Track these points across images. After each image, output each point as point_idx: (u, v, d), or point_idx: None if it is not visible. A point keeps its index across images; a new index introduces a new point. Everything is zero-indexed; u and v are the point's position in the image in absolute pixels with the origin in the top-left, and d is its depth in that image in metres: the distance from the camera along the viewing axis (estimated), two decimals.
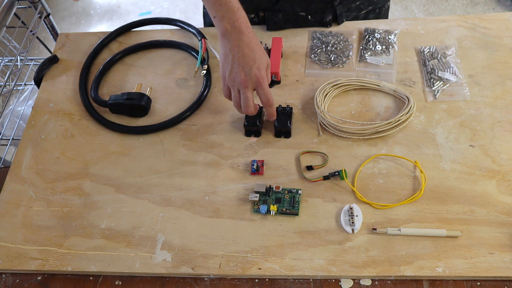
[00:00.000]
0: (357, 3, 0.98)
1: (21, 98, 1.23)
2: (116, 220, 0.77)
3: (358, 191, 0.76)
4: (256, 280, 0.71)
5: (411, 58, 0.91)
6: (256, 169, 0.79)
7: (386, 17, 1.09)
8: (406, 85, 0.88)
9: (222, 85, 0.79)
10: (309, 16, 0.95)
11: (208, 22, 1.11)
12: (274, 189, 0.77)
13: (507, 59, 0.89)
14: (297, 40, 0.96)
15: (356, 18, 1.01)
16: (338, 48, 0.94)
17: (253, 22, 1.01)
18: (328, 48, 0.94)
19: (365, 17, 1.03)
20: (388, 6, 1.08)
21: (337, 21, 0.97)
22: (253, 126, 0.83)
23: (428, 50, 0.91)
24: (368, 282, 0.69)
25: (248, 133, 0.84)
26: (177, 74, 0.95)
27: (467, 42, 0.93)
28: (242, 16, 0.76)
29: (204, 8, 1.12)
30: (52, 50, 1.03)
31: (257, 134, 0.84)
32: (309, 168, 0.79)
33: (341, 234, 0.72)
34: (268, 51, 0.92)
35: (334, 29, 0.97)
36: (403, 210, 0.74)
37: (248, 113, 0.79)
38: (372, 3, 1.01)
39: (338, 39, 0.95)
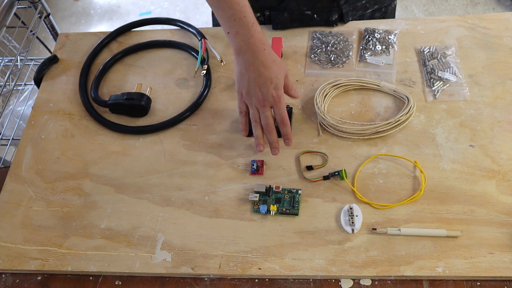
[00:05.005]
0: (363, 1, 0.98)
1: (21, 98, 1.23)
2: (116, 220, 0.77)
3: (358, 191, 0.76)
4: (256, 280, 0.71)
5: (411, 58, 0.91)
6: (256, 169, 0.79)
7: (393, 16, 1.08)
8: (406, 85, 0.88)
9: (239, 101, 0.78)
10: (315, 15, 0.95)
11: (216, 23, 1.11)
12: (274, 189, 0.77)
13: (507, 59, 0.89)
14: (297, 40, 0.96)
15: (362, 17, 1.01)
16: (338, 48, 0.94)
17: (259, 21, 1.00)
18: (328, 48, 0.94)
19: (371, 16, 1.02)
20: (395, 5, 1.07)
21: (343, 20, 0.97)
22: None
23: (428, 50, 0.91)
24: (368, 282, 0.69)
25: (248, 133, 0.84)
26: (177, 74, 0.95)
27: (467, 42, 0.93)
28: (257, 32, 0.74)
29: None
30: (52, 50, 1.03)
31: None
32: (309, 168, 0.79)
33: (341, 234, 0.72)
34: None
35: (334, 29, 0.97)
36: (403, 210, 0.74)
37: (268, 131, 0.76)
38: (378, 2, 1.01)
39: (338, 39, 0.95)
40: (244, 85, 0.75)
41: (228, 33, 0.75)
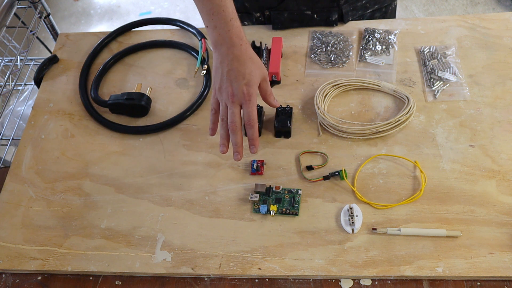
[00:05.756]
0: (363, 1, 0.98)
1: (21, 98, 1.23)
2: (116, 220, 0.77)
3: (358, 191, 0.76)
4: (256, 280, 0.71)
5: (411, 58, 0.91)
6: (256, 169, 0.79)
7: (393, 16, 1.08)
8: (406, 85, 0.88)
9: (212, 96, 0.75)
10: (315, 15, 0.95)
11: None
12: (274, 189, 0.77)
13: (507, 59, 0.89)
14: (297, 40, 0.96)
15: (362, 17, 1.01)
16: (338, 48, 0.94)
17: (259, 21, 1.01)
18: (328, 48, 0.94)
19: (371, 16, 1.02)
20: (395, 6, 1.07)
21: (343, 20, 0.97)
22: None
23: (428, 50, 0.91)
24: (368, 282, 0.69)
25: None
26: (177, 74, 0.95)
27: (467, 42, 0.93)
28: (234, 27, 0.72)
29: None
30: (52, 50, 1.03)
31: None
32: (309, 168, 0.79)
33: (341, 234, 0.72)
34: (268, 51, 0.92)
35: (334, 29, 0.97)
36: (403, 210, 0.74)
37: (232, 130, 0.72)
38: (378, 2, 1.01)
39: (338, 39, 0.95)
40: (217, 80, 0.73)
41: (207, 26, 0.74)
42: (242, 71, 0.71)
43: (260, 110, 0.83)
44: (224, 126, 0.73)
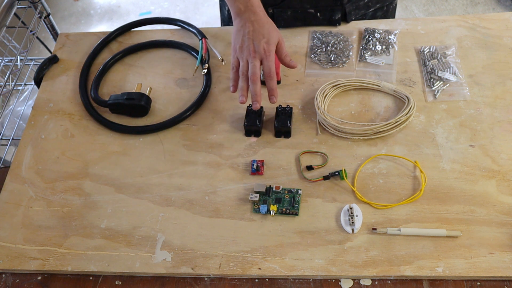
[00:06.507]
0: (365, 0, 0.98)
1: (21, 98, 1.23)
2: (116, 220, 0.77)
3: (358, 191, 0.76)
4: (256, 280, 0.71)
5: (411, 58, 0.91)
6: (256, 169, 0.79)
7: (393, 14, 1.09)
8: (406, 85, 0.88)
9: (232, 57, 0.83)
10: (318, 14, 0.96)
11: (223, 15, 1.13)
12: (274, 189, 0.77)
13: (507, 59, 0.89)
14: (297, 40, 0.97)
15: (364, 16, 1.01)
16: (338, 48, 0.94)
17: None
18: (328, 48, 0.94)
19: (373, 15, 1.03)
20: (396, 4, 1.08)
21: (346, 19, 0.97)
22: (253, 126, 0.83)
23: (428, 50, 0.91)
24: (368, 282, 0.69)
25: (248, 133, 0.84)
26: (177, 74, 0.95)
27: (467, 42, 0.93)
28: None
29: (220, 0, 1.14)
30: (52, 50, 1.03)
31: (257, 134, 0.84)
32: (309, 168, 0.79)
33: (341, 234, 0.72)
34: None
35: (334, 29, 0.97)
36: (403, 210, 0.74)
37: (253, 80, 0.79)
38: (380, 0, 1.01)
39: (338, 39, 0.95)
40: (238, 40, 0.82)
41: None
42: (262, 32, 0.80)
43: (260, 110, 0.83)
44: (244, 79, 0.81)
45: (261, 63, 0.80)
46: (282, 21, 0.97)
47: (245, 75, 0.80)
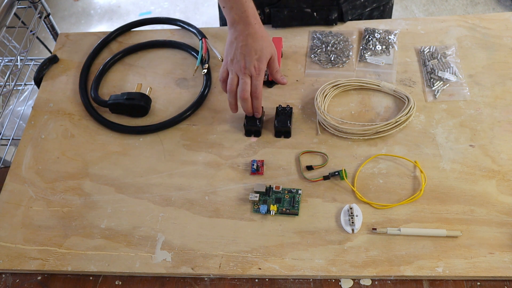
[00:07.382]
0: (362, 0, 0.98)
1: (21, 98, 1.23)
2: (116, 220, 0.77)
3: (358, 191, 0.76)
4: (256, 280, 0.71)
5: (411, 58, 0.91)
6: (256, 169, 0.79)
7: (390, 14, 1.09)
8: (406, 85, 0.88)
9: (221, 68, 0.81)
10: (315, 13, 0.96)
11: (222, 15, 1.12)
12: (274, 189, 0.77)
13: (507, 59, 0.89)
14: (297, 40, 0.97)
15: (361, 15, 1.01)
16: (338, 48, 0.94)
17: None
18: (328, 48, 0.94)
19: (370, 15, 1.03)
20: (392, 4, 1.08)
21: (343, 19, 0.97)
22: (253, 126, 0.83)
23: (428, 50, 0.91)
24: (368, 282, 0.69)
25: (248, 133, 0.84)
26: (177, 74, 0.95)
27: (467, 42, 0.93)
28: (250, 8, 0.79)
29: None
30: (52, 50, 1.03)
31: (257, 134, 0.84)
32: (309, 168, 0.79)
33: (341, 234, 0.72)
34: None
35: (334, 29, 0.97)
36: (403, 210, 0.74)
37: (243, 97, 0.79)
38: (376, 0, 1.01)
39: (338, 39, 0.95)
40: (230, 53, 0.80)
41: (224, 7, 0.80)
42: (255, 47, 0.78)
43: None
44: (233, 95, 0.81)
45: (251, 80, 0.79)
46: (279, 21, 0.97)
47: (233, 90, 0.80)
